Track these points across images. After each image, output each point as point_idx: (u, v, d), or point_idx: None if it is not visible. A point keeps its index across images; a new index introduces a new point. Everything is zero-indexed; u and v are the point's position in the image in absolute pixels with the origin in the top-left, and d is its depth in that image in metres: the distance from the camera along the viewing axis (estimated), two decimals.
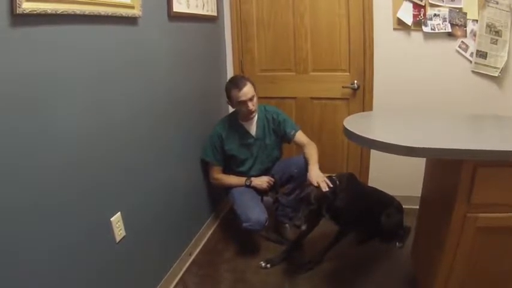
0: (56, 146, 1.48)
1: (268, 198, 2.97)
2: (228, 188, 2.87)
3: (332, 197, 2.40)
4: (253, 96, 2.66)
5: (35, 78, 1.36)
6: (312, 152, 2.70)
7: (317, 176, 2.46)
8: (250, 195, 2.77)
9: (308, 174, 2.53)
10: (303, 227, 2.35)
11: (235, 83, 2.67)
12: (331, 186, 2.39)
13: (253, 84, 2.69)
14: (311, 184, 2.41)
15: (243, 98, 2.62)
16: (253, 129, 2.83)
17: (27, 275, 1.36)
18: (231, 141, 2.78)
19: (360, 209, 2.57)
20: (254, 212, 2.60)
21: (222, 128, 2.78)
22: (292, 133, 2.83)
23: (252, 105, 2.65)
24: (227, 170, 2.89)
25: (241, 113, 2.75)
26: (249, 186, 2.80)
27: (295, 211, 2.87)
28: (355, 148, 3.32)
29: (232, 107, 2.78)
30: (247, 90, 2.63)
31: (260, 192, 2.85)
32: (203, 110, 2.94)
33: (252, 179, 2.80)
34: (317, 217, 2.62)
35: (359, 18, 3.04)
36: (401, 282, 2.40)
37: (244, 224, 2.59)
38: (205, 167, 2.90)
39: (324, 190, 2.36)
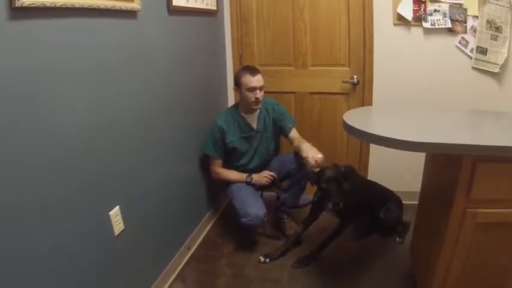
0: (54, 140, 1.47)
1: (268, 194, 2.97)
2: (228, 183, 2.87)
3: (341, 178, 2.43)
4: (262, 87, 2.69)
5: (34, 72, 1.35)
6: (304, 140, 2.75)
7: (315, 152, 2.51)
8: (249, 191, 2.77)
9: (304, 150, 2.58)
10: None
11: (250, 69, 2.70)
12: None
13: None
14: (306, 159, 2.50)
15: (255, 84, 2.64)
16: (254, 122, 2.83)
17: (26, 268, 1.36)
18: (232, 133, 2.77)
19: (360, 202, 2.58)
20: (253, 208, 2.60)
21: (223, 121, 2.77)
22: (290, 126, 2.86)
23: (260, 95, 2.67)
24: (226, 164, 2.89)
25: (245, 104, 2.74)
26: (249, 183, 2.80)
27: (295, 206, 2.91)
28: (355, 143, 3.32)
29: (240, 94, 2.76)
30: (260, 79, 2.67)
31: (260, 187, 2.86)
32: (202, 104, 2.93)
33: (253, 175, 2.80)
34: (317, 211, 2.63)
35: (359, 13, 3.03)
36: (400, 277, 2.41)
37: (243, 220, 2.59)
38: (205, 161, 2.90)
39: (312, 164, 2.45)
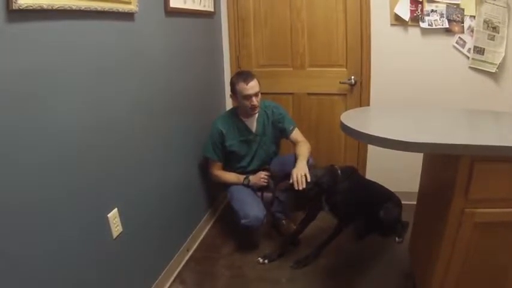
0: (53, 142, 1.47)
1: (267, 195, 2.97)
2: (227, 185, 2.87)
3: (331, 183, 2.42)
4: (258, 92, 2.67)
5: (32, 74, 1.35)
6: (303, 149, 2.69)
7: (300, 169, 2.42)
8: (249, 192, 2.77)
9: (294, 167, 2.48)
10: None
11: (243, 76, 2.66)
12: (306, 185, 2.35)
13: (258, 82, 2.69)
14: (290, 179, 2.40)
15: (250, 92, 2.62)
16: (253, 125, 2.83)
17: (24, 270, 1.35)
18: (232, 137, 2.78)
19: (359, 202, 2.58)
20: (252, 209, 2.60)
21: (223, 124, 2.77)
22: (290, 128, 2.84)
23: (256, 101, 2.65)
24: (226, 166, 2.89)
25: (243, 109, 2.74)
26: (247, 186, 2.80)
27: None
28: (353, 144, 3.33)
29: (236, 101, 2.76)
30: (254, 85, 2.64)
31: (259, 189, 2.85)
32: (200, 105, 2.93)
33: (250, 177, 2.80)
34: (315, 210, 2.63)
35: (356, 13, 3.03)
36: (399, 277, 2.41)
37: (243, 221, 2.59)
38: (204, 162, 2.90)
39: (298, 187, 2.34)
